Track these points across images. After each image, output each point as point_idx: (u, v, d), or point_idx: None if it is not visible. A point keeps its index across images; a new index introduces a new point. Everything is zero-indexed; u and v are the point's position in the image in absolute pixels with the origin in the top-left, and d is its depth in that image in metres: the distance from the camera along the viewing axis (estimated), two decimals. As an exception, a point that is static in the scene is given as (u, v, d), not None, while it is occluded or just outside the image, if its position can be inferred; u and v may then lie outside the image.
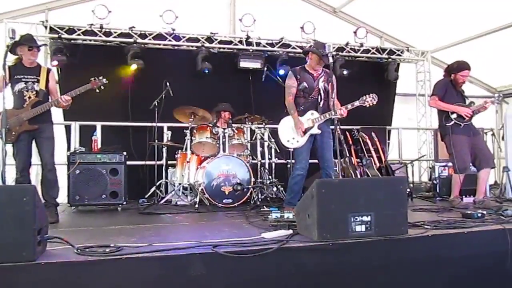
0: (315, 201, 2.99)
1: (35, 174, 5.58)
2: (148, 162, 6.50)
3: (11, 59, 4.37)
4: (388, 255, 3.09)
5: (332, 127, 4.61)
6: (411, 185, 6.62)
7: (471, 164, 5.21)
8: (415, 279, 3.14)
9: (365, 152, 6.75)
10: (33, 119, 4.27)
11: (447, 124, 5.16)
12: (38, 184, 4.55)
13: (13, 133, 4.21)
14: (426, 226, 3.51)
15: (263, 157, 6.26)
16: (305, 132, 4.59)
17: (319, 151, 4.67)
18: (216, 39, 7.40)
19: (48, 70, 4.49)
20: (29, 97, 4.31)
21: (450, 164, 5.63)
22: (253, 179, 5.57)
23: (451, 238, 3.29)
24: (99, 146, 5.88)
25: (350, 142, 6.83)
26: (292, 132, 4.64)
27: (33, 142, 4.39)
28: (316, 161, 4.72)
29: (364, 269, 3.01)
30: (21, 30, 5.48)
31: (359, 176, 6.17)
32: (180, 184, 5.85)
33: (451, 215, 4.31)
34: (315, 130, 4.61)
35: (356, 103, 4.54)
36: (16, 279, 2.46)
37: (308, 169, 4.63)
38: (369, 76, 8.25)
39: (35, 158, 4.54)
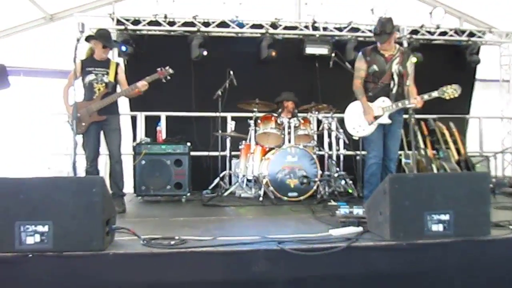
0: (387, 197, 2.89)
1: (104, 164, 5.89)
2: (211, 153, 6.63)
3: (82, 52, 4.60)
4: (468, 258, 2.92)
5: (405, 115, 4.41)
6: (494, 180, 6.27)
7: None
8: (498, 285, 2.94)
9: (442, 143, 6.46)
10: (102, 110, 4.49)
11: None
12: (107, 174, 4.78)
13: (83, 123, 4.45)
14: (511, 227, 3.31)
15: (330, 148, 6.16)
16: (373, 121, 4.43)
17: (384, 139, 4.51)
18: (280, 25, 7.32)
19: (117, 64, 4.69)
20: (99, 89, 4.53)
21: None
22: (319, 172, 5.50)
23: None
24: (164, 136, 6.06)
25: (426, 133, 6.56)
26: (358, 118, 4.49)
27: (101, 132, 4.61)
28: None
29: (440, 272, 2.87)
30: (90, 24, 5.76)
31: (435, 170, 5.90)
32: (244, 176, 5.91)
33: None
34: (385, 120, 4.43)
35: (435, 94, 4.25)
36: (86, 267, 2.60)
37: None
38: (446, 60, 7.80)
39: (104, 148, 4.76)
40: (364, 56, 4.50)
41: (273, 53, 6.98)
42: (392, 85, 4.45)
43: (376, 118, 4.43)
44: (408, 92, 4.27)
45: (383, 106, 4.43)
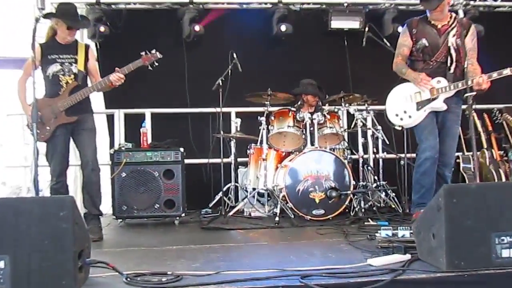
0: (443, 215, 2.88)
1: (73, 178, 5.93)
2: (212, 160, 6.64)
3: (41, 35, 4.62)
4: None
5: (464, 106, 4.38)
6: None
7: None
8: None
9: (511, 141, 6.41)
10: (71, 109, 4.51)
11: None
12: (78, 191, 4.81)
13: (47, 127, 4.47)
14: None
15: (366, 151, 6.16)
16: (423, 105, 4.41)
17: (443, 129, 4.53)
18: (297, -8, 7.33)
19: (87, 47, 4.71)
20: (66, 82, 4.55)
21: None
22: (353, 182, 5.50)
23: None
24: (150, 140, 6.03)
25: (490, 128, 6.51)
26: (405, 102, 4.49)
27: (70, 138, 4.64)
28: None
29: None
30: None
31: (503, 177, 5.87)
32: (254, 189, 5.90)
33: None
34: (439, 104, 4.41)
35: (506, 72, 4.17)
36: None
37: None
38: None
39: (73, 158, 4.79)
40: (409, 28, 4.51)
41: (284, 28, 6.93)
42: (449, 63, 4.45)
43: (428, 101, 4.42)
44: (466, 73, 4.24)
45: (438, 86, 4.42)
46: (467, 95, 4.10)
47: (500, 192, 3.04)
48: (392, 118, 4.57)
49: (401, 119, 4.51)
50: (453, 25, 4.47)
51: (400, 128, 4.73)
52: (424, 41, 4.43)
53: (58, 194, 4.40)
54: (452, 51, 4.44)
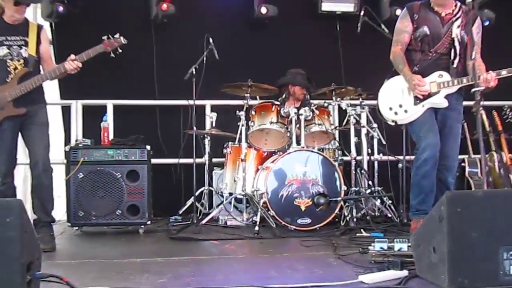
0: (445, 226, 2.89)
1: (22, 178, 5.85)
2: (183, 160, 6.65)
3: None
4: None
5: (468, 102, 4.44)
6: None
7: None
8: None
9: (524, 143, 6.50)
10: (21, 99, 4.45)
11: None
12: (27, 195, 4.78)
13: (-8, 120, 4.43)
14: None
15: (359, 152, 6.19)
16: (421, 100, 4.44)
17: (444, 127, 4.55)
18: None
19: (40, 28, 4.66)
20: (15, 68, 4.49)
21: None
22: (344, 188, 5.51)
23: None
24: (111, 136, 6.02)
25: (500, 128, 6.56)
26: (401, 95, 4.51)
27: (19, 133, 4.59)
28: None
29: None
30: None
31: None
32: (231, 194, 5.91)
33: None
34: (439, 100, 4.43)
35: None
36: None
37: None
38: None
39: (22, 155, 4.75)
40: (410, 13, 4.53)
41: (265, 11, 6.92)
42: (452, 56, 4.48)
43: (428, 96, 4.44)
44: (472, 69, 4.25)
45: (439, 81, 4.44)
46: (475, 89, 4.07)
47: (510, 200, 3.07)
48: (384, 112, 4.57)
49: (395, 113, 4.52)
50: (457, 15, 4.49)
51: (393, 124, 4.71)
52: (425, 29, 4.45)
53: (4, 197, 4.28)
54: (456, 44, 4.47)
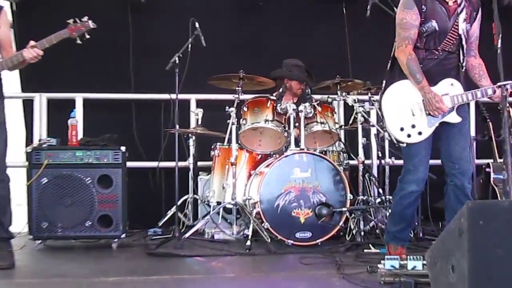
0: (465, 241, 2.86)
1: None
2: (163, 164, 6.63)
3: None
4: None
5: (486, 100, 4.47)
6: None
7: None
8: None
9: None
10: (-28, 92, 4.43)
11: None
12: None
13: None
14: None
15: (368, 155, 6.17)
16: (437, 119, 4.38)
17: (445, 143, 4.48)
18: None
19: (-1, 9, 4.65)
20: (-33, 56, 4.49)
21: None
22: (350, 196, 5.50)
23: None
24: (80, 136, 6.00)
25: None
26: (410, 112, 4.37)
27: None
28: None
29: None
30: None
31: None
32: (219, 203, 5.89)
33: None
34: (454, 118, 4.36)
35: None
36: None
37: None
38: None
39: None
40: (418, 4, 4.34)
41: None
42: (461, 57, 4.41)
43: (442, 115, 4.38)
44: (471, 69, 4.35)
45: (452, 94, 4.36)
46: (501, 84, 4.05)
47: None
48: (395, 133, 4.42)
49: (408, 135, 4.40)
50: (461, 5, 4.40)
51: (404, 145, 4.65)
52: (434, 24, 4.33)
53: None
54: (463, 41, 4.41)
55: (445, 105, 4.28)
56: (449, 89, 4.37)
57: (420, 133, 4.36)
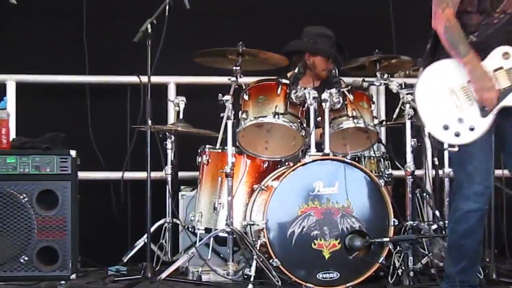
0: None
1: None
2: (130, 175, 6.61)
3: None
4: None
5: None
6: None
7: None
8: None
9: None
10: None
11: None
12: None
13: None
14: None
15: (419, 163, 6.17)
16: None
17: (507, 140, 4.46)
18: None
19: None
20: None
21: None
22: (393, 221, 5.43)
23: None
24: (13, 135, 5.97)
25: None
26: (453, 102, 4.33)
27: None
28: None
29: None
30: None
31: None
32: (208, 230, 5.84)
33: None
34: None
35: None
36: None
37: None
38: None
39: None
40: None
41: None
42: None
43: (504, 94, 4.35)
44: None
45: (507, 67, 4.31)
46: None
47: None
48: (437, 134, 4.36)
49: (457, 134, 4.33)
50: None
51: (456, 149, 4.56)
52: None
53: None
54: None
55: (494, 90, 4.24)
56: (503, 63, 4.31)
57: (472, 129, 4.28)
